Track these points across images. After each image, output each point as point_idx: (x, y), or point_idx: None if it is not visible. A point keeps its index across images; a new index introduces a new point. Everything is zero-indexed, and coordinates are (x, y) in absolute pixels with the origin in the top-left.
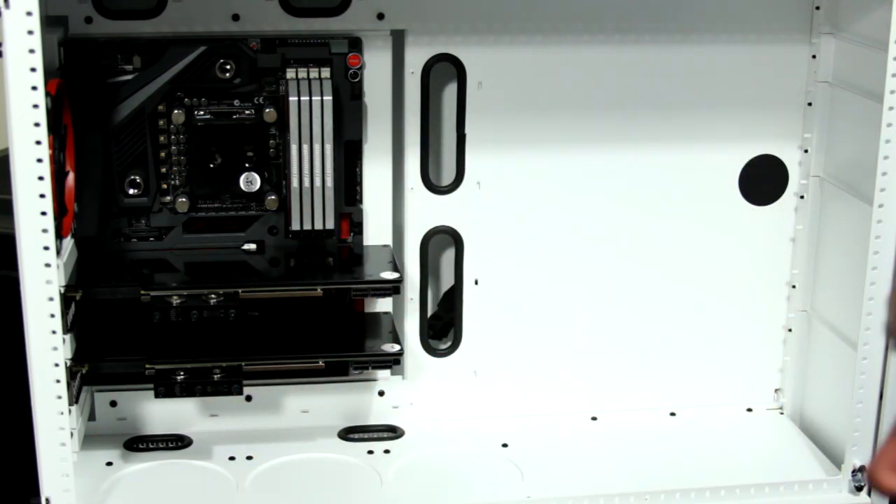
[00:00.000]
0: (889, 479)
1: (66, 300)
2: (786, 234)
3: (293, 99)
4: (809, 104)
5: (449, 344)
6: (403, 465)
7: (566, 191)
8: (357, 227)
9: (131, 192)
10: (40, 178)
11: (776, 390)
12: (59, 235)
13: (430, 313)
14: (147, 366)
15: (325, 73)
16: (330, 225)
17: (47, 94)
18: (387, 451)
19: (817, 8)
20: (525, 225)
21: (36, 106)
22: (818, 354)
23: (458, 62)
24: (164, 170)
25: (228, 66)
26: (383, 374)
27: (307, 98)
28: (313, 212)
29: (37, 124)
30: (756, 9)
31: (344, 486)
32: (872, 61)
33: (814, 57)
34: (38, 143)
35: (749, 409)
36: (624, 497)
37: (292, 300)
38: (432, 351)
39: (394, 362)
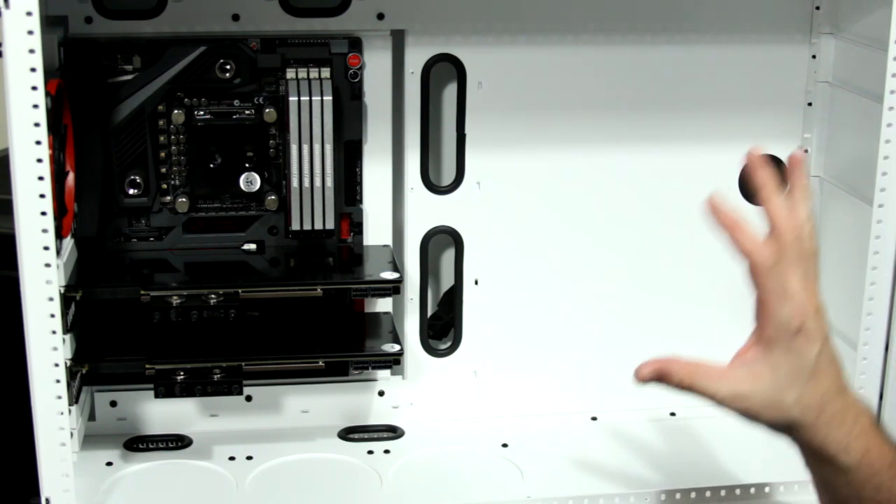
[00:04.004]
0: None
1: (66, 300)
2: None
3: (293, 99)
4: (809, 104)
5: (449, 344)
6: (403, 465)
7: (566, 191)
8: (357, 227)
9: (131, 192)
10: (40, 178)
11: None
12: (59, 235)
13: (430, 313)
14: (147, 366)
15: (325, 73)
16: (330, 225)
17: (47, 94)
18: (387, 451)
19: (817, 8)
20: (525, 225)
21: (36, 106)
22: None
23: (458, 62)
24: (164, 170)
25: (228, 66)
26: (383, 374)
27: (307, 98)
28: (313, 212)
29: (37, 124)
30: (756, 9)
31: (344, 486)
32: (872, 61)
33: (814, 57)
34: (38, 143)
35: None
36: (624, 497)
37: (292, 300)
38: (432, 351)
39: (394, 362)
